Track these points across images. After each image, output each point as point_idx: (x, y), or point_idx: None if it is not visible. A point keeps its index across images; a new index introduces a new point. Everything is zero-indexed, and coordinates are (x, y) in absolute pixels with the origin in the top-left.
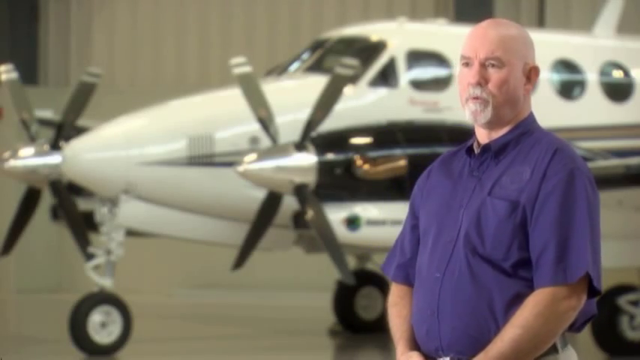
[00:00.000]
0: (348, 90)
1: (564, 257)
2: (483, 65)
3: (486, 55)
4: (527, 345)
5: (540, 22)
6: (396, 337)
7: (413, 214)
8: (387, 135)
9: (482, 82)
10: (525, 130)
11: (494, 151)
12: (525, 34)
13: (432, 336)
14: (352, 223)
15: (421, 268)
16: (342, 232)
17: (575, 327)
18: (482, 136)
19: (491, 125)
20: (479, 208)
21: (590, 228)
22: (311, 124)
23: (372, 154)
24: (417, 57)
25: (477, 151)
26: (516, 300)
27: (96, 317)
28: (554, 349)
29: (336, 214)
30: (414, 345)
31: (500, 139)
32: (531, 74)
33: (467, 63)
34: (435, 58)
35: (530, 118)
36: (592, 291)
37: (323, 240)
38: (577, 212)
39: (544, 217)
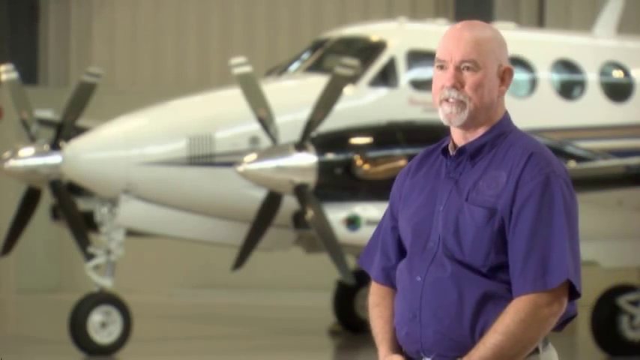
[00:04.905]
0: (348, 90)
1: (544, 264)
2: (458, 68)
3: (462, 58)
4: (509, 351)
5: (540, 22)
6: (378, 339)
7: (392, 215)
8: (387, 135)
9: (458, 85)
10: (501, 132)
11: (470, 154)
12: (499, 35)
13: (412, 339)
14: (352, 223)
15: (402, 270)
16: (342, 232)
17: (555, 327)
18: (458, 136)
19: (465, 127)
20: (457, 214)
21: (569, 232)
22: (311, 124)
23: (372, 154)
24: (417, 57)
25: (452, 152)
26: (496, 303)
27: (96, 317)
28: (535, 350)
29: (336, 214)
30: (396, 347)
31: (476, 142)
32: (505, 75)
33: (441, 66)
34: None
35: (506, 119)
36: (572, 293)
37: (323, 240)
38: (555, 217)
39: (522, 224)
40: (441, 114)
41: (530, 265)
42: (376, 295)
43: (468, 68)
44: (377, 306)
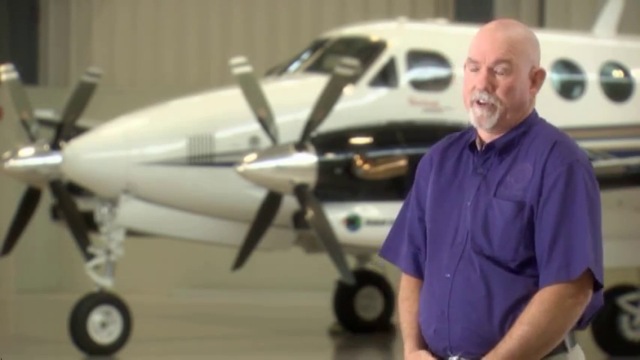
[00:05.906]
0: (348, 90)
1: (567, 254)
2: (491, 70)
3: (495, 59)
4: (535, 342)
5: (540, 22)
6: (405, 333)
7: (419, 206)
8: (387, 135)
9: (490, 88)
10: (528, 128)
11: (499, 149)
12: (532, 35)
13: (440, 336)
14: (352, 223)
15: (429, 267)
16: (342, 232)
17: (583, 322)
18: (485, 133)
19: (495, 129)
20: (485, 209)
21: (591, 222)
22: (311, 124)
23: (372, 154)
24: (417, 57)
25: (479, 147)
26: (525, 298)
27: (96, 317)
28: (563, 348)
29: (336, 214)
30: (423, 342)
31: (504, 138)
32: (537, 77)
33: (474, 66)
34: (435, 58)
35: (533, 115)
36: (595, 285)
37: (323, 240)
38: (577, 208)
39: (547, 215)
40: (472, 116)
41: (555, 256)
42: (406, 288)
43: (500, 71)
44: (407, 300)
